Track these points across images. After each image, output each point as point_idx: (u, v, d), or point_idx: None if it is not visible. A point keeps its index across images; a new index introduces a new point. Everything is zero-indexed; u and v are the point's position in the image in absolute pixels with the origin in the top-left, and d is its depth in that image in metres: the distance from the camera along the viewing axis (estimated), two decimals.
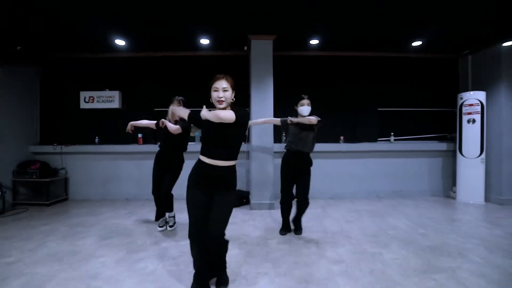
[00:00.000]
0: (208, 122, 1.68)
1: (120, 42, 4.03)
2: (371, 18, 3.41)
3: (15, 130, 4.34)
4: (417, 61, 4.88)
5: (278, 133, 4.31)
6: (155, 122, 3.17)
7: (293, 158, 2.88)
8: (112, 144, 4.68)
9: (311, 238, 2.87)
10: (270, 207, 3.98)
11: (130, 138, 4.69)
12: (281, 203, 2.99)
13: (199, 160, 1.77)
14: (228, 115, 1.60)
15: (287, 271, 2.13)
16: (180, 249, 2.58)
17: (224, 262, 1.90)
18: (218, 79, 1.73)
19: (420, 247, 2.58)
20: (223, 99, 1.70)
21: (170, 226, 3.15)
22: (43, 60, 4.58)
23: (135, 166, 4.69)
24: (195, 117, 1.76)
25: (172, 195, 3.12)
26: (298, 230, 2.99)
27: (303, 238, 2.86)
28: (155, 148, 4.50)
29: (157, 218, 3.22)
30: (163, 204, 3.13)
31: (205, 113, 1.65)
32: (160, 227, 3.13)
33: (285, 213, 3.01)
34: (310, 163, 2.90)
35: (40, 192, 4.62)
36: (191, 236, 1.79)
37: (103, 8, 3.06)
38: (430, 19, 3.42)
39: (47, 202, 4.25)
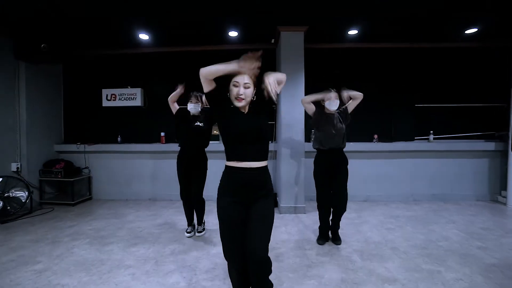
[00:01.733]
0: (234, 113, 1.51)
1: (143, 37, 3.85)
2: (417, 3, 3.03)
3: (40, 128, 4.31)
4: (461, 51, 4.40)
5: (308, 131, 4.03)
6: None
7: (327, 157, 2.63)
8: (134, 143, 4.58)
9: (353, 249, 2.61)
10: (301, 211, 3.74)
11: (153, 137, 4.60)
12: (319, 208, 2.74)
13: (227, 167, 1.53)
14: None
15: None
16: (212, 260, 2.40)
17: (268, 283, 1.67)
18: (239, 73, 1.47)
19: (483, 265, 2.26)
20: (243, 96, 1.45)
21: (199, 232, 2.97)
22: (65, 57, 4.49)
23: (158, 165, 4.57)
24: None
25: (204, 201, 2.96)
26: (337, 240, 2.73)
27: (344, 249, 2.60)
28: (177, 147, 4.40)
29: (189, 223, 3.03)
30: (196, 211, 2.97)
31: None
32: (188, 232, 2.96)
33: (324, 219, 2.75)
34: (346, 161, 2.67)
35: (65, 191, 4.61)
36: (229, 257, 1.56)
37: (128, 1, 2.87)
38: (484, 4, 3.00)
39: (72, 202, 4.21)
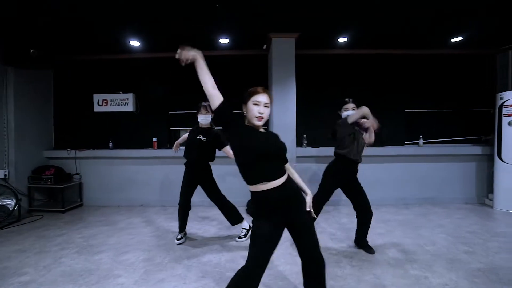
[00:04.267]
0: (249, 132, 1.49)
1: (134, 43, 3.85)
2: (407, 12, 3.10)
3: (30, 134, 4.26)
4: (449, 58, 4.51)
5: (299, 137, 4.08)
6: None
7: (350, 167, 2.70)
8: (126, 149, 4.54)
9: (343, 255, 2.63)
10: None
11: (145, 142, 4.57)
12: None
13: (255, 193, 1.50)
14: None
15: None
16: (202, 268, 2.39)
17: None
18: (259, 92, 1.49)
19: (469, 270, 2.30)
20: (263, 115, 1.48)
21: (239, 238, 2.99)
22: (55, 62, 4.47)
23: (151, 171, 4.53)
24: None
25: (225, 199, 2.99)
26: (370, 248, 2.71)
27: (333, 255, 2.62)
28: (170, 152, 4.36)
29: (181, 229, 2.99)
30: (225, 213, 2.99)
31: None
32: (178, 239, 2.94)
33: None
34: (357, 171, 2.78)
35: (55, 198, 4.56)
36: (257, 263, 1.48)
37: (117, 7, 2.87)
38: (470, 12, 3.09)
39: (62, 209, 4.15)
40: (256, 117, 1.47)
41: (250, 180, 1.48)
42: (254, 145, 1.44)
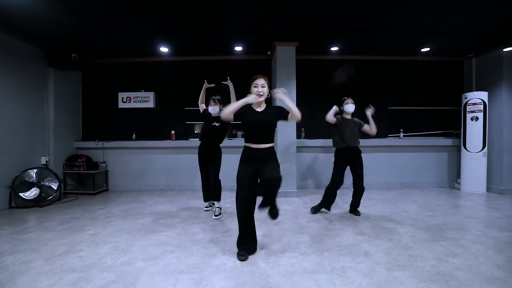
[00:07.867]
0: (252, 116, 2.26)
1: (163, 49, 4.57)
2: (384, 30, 3.90)
3: (64, 127, 4.89)
4: (425, 64, 5.32)
5: (298, 130, 4.80)
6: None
7: (349, 153, 3.38)
8: (147, 140, 5.20)
9: (335, 218, 3.36)
10: (294, 195, 4.48)
11: (164, 135, 5.24)
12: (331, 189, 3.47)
13: (245, 147, 2.27)
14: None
15: (321, 240, 2.63)
16: (226, 226, 3.09)
17: (276, 196, 2.25)
18: (257, 78, 2.26)
19: (428, 224, 3.06)
20: (261, 93, 2.23)
21: (216, 216, 3.39)
22: (85, 65, 5.11)
23: (168, 159, 5.20)
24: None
25: (220, 181, 3.53)
26: (357, 212, 3.51)
27: (327, 218, 3.35)
28: (186, 143, 5.09)
29: (205, 199, 3.69)
30: (214, 191, 3.51)
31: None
32: (206, 207, 3.63)
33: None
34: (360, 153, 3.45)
35: (84, 183, 5.19)
36: (239, 191, 2.23)
37: (157, 24, 3.58)
38: (438, 29, 3.88)
39: (94, 192, 4.79)
40: (257, 94, 2.21)
41: (245, 140, 2.29)
42: (248, 120, 2.20)
